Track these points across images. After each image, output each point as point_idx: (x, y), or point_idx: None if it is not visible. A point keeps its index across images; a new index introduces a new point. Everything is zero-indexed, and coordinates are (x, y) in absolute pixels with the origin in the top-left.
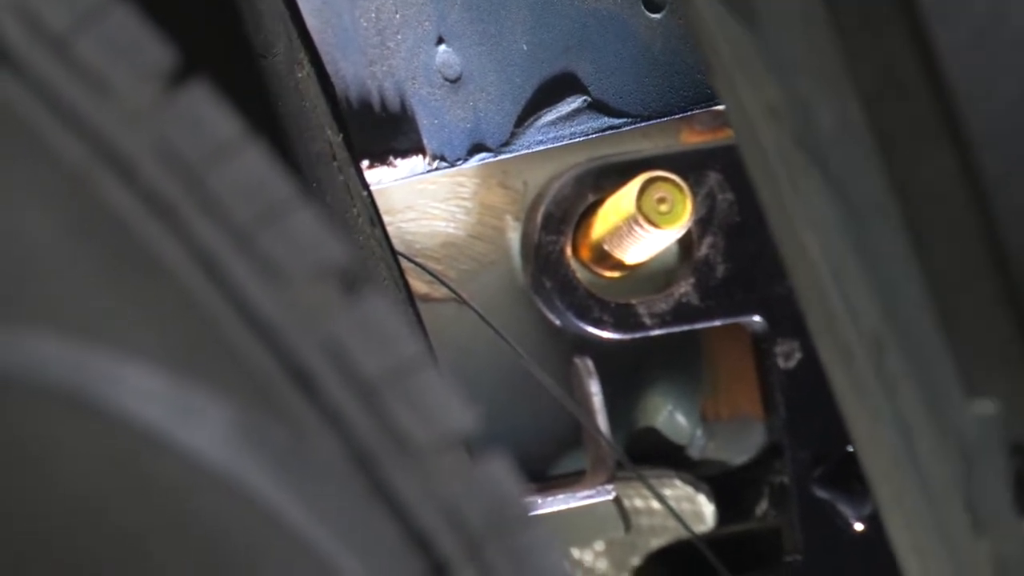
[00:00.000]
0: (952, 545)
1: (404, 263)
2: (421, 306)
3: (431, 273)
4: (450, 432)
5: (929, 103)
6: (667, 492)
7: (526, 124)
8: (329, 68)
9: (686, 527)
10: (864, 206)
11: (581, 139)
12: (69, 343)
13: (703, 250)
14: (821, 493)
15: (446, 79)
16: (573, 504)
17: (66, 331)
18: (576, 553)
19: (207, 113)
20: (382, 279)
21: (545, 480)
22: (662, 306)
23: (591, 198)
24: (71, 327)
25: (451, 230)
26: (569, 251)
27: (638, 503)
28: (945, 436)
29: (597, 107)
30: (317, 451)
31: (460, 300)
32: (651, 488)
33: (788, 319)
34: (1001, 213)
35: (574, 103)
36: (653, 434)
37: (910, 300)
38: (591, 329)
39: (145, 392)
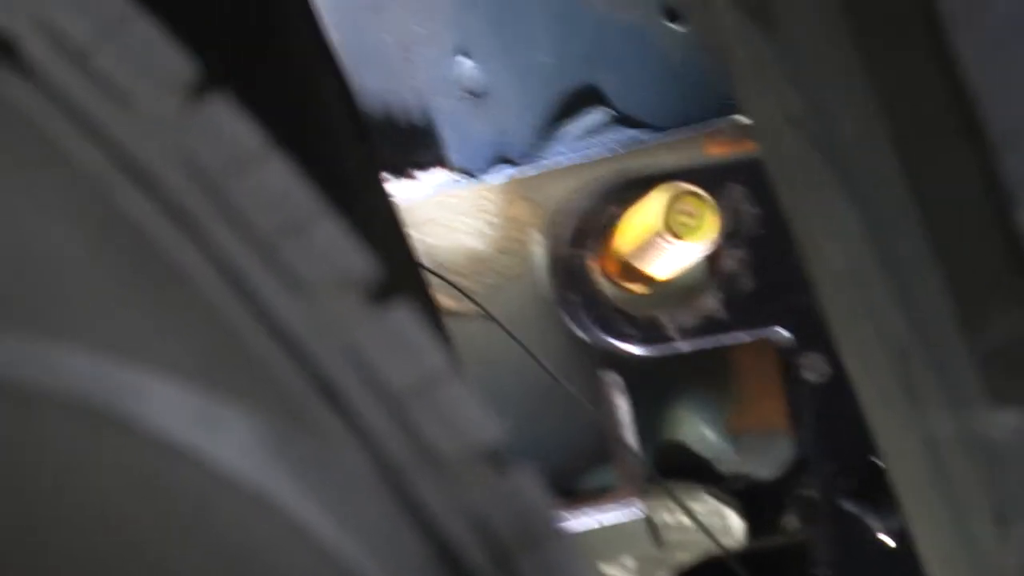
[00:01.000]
0: (979, 554)
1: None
2: (448, 320)
3: (457, 288)
4: (477, 444)
5: (949, 108)
6: (696, 507)
7: (549, 137)
8: (353, 82)
9: (716, 542)
10: (886, 214)
11: (605, 152)
12: (95, 356)
13: (729, 264)
14: (849, 506)
15: (469, 93)
16: (603, 520)
17: (91, 344)
18: (605, 568)
19: (229, 124)
20: (407, 292)
21: (573, 495)
22: (689, 320)
23: (616, 211)
24: (96, 340)
25: (476, 244)
26: (595, 265)
27: (667, 518)
28: (971, 445)
29: (620, 120)
30: (344, 463)
31: (486, 315)
32: (680, 503)
33: (814, 332)
34: (1021, 217)
35: (597, 116)
36: (681, 448)
37: (934, 308)
38: (618, 343)
39: (171, 405)
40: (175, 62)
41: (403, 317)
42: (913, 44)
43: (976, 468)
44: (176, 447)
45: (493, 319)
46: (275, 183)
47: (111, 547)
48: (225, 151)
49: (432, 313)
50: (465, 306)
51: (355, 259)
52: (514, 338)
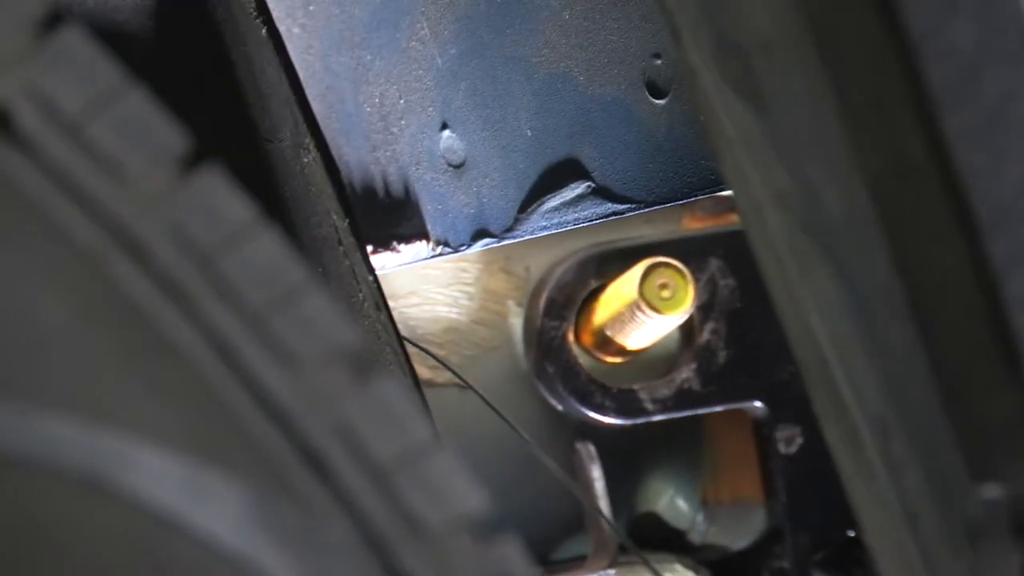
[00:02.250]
0: None
1: (408, 347)
2: (424, 391)
3: (434, 356)
4: (462, 515)
5: (937, 189)
6: None
7: (530, 210)
8: (334, 153)
9: None
10: (871, 292)
11: (584, 224)
12: (84, 426)
13: (705, 336)
14: None
15: (450, 164)
16: None
17: (81, 414)
18: None
19: (221, 197)
20: (389, 363)
21: (548, 564)
22: (664, 392)
23: (594, 284)
24: (86, 410)
25: (454, 315)
26: (571, 336)
27: None
28: (951, 520)
29: (601, 193)
30: (330, 534)
31: (464, 384)
32: (654, 572)
33: (790, 405)
34: (1008, 299)
35: (578, 189)
36: (654, 518)
37: (916, 384)
38: (593, 414)
39: (160, 475)
40: (166, 134)
41: (388, 389)
42: (902, 122)
43: (955, 541)
44: (166, 517)
45: (471, 388)
46: (266, 256)
47: None
48: (217, 224)
49: (412, 384)
50: (441, 376)
51: (344, 332)
52: (492, 407)
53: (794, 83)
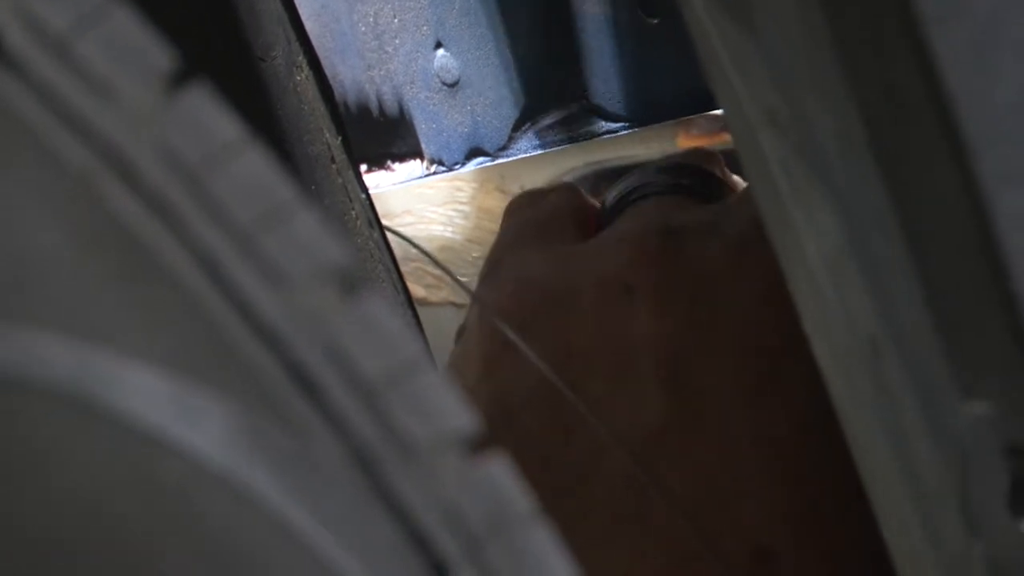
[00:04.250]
0: (947, 550)
1: (409, 262)
2: (419, 309)
3: (435, 261)
4: (451, 433)
5: (927, 108)
6: None
7: (524, 129)
8: (327, 72)
9: None
10: (864, 212)
11: (578, 144)
12: (73, 345)
13: None
14: None
15: (444, 84)
16: None
17: (70, 333)
18: None
19: (208, 115)
20: (382, 282)
21: None
22: None
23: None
24: (75, 329)
25: (448, 234)
26: None
27: None
28: (940, 440)
29: (594, 112)
30: (319, 453)
31: (457, 284)
32: None
33: None
34: (998, 218)
35: (571, 108)
36: None
37: (907, 305)
38: None
39: (148, 395)
40: (154, 52)
41: (377, 307)
42: (892, 45)
43: (944, 462)
44: (154, 435)
45: (472, 294)
46: (254, 174)
47: (88, 533)
48: (204, 142)
49: (405, 303)
50: (436, 295)
51: (333, 250)
52: (494, 318)
53: (785, 3)
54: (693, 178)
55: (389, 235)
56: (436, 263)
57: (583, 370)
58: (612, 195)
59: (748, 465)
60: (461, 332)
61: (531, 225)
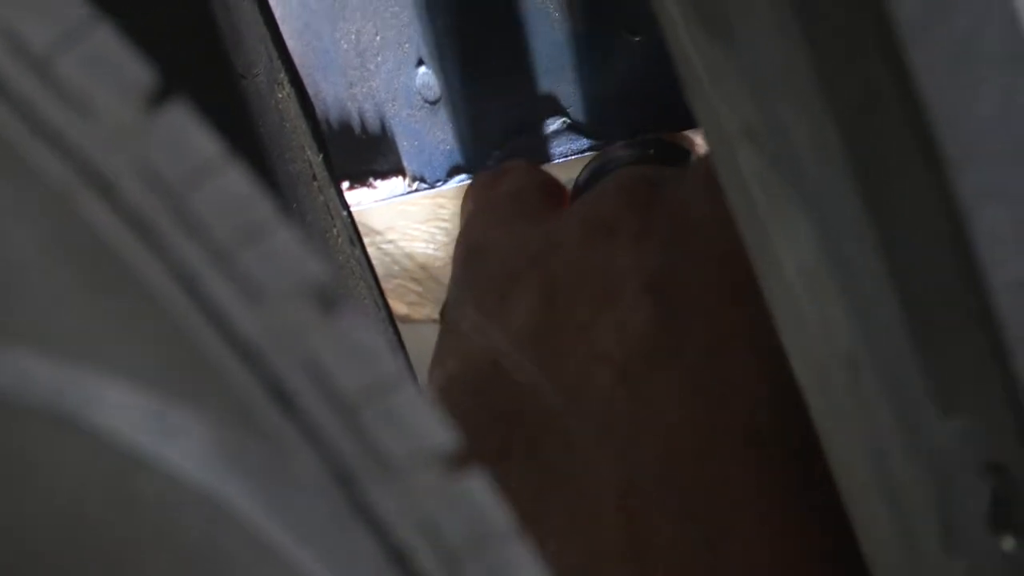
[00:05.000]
0: (927, 566)
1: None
2: (401, 327)
3: None
4: (429, 449)
5: (905, 124)
6: None
7: (505, 146)
8: (309, 89)
9: None
10: (841, 226)
11: (560, 161)
12: (50, 361)
13: None
14: None
15: (426, 101)
16: None
17: (47, 349)
18: None
19: (188, 133)
20: (363, 299)
21: None
22: None
23: None
24: (52, 345)
25: (431, 251)
26: None
27: None
28: (919, 455)
29: (576, 129)
30: (297, 469)
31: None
32: None
33: None
34: (975, 235)
35: (553, 125)
36: None
37: (885, 319)
38: None
39: (126, 410)
40: (134, 69)
41: (356, 324)
42: (870, 55)
43: (923, 479)
44: (132, 452)
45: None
46: (233, 191)
47: (67, 550)
48: (184, 159)
49: (387, 320)
50: (419, 312)
51: (311, 267)
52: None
53: (762, 16)
54: (658, 147)
55: (374, 249)
56: None
57: (568, 301)
58: (584, 175)
59: (736, 358)
60: (444, 313)
61: (504, 202)
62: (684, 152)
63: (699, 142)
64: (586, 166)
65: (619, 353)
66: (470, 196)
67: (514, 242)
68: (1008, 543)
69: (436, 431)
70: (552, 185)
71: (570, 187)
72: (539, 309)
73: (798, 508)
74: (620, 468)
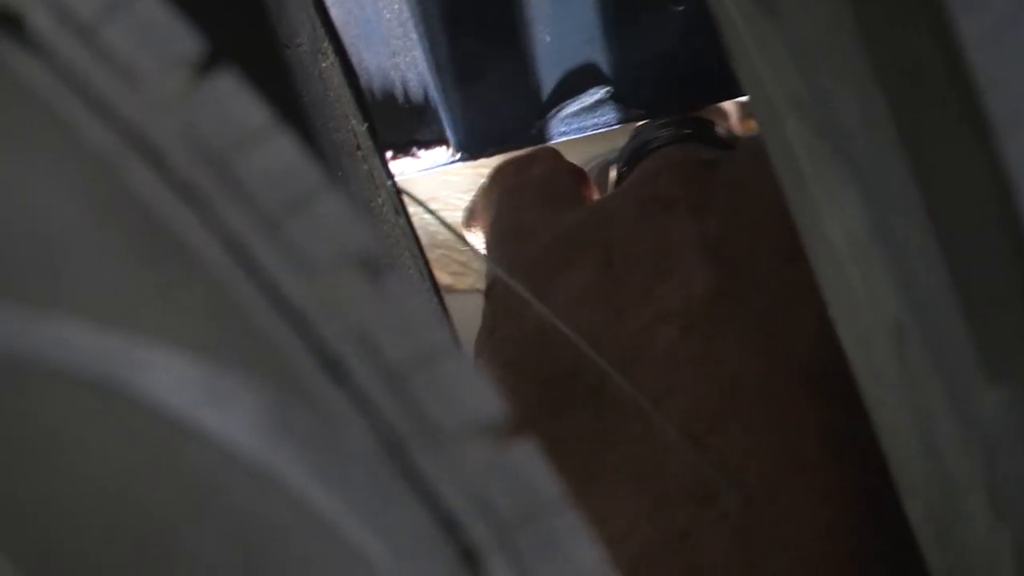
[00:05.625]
0: (973, 536)
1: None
2: (445, 296)
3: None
4: (478, 419)
5: (951, 92)
6: None
7: (548, 115)
8: (353, 59)
9: None
10: (888, 196)
11: (604, 130)
12: (99, 329)
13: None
14: None
15: (469, 71)
16: None
17: (96, 317)
18: None
19: (235, 101)
20: (407, 268)
21: None
22: None
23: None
24: (101, 313)
25: None
26: None
27: None
28: (966, 425)
29: (619, 99)
30: (346, 438)
31: (500, 272)
32: None
33: None
34: (1022, 203)
35: (597, 94)
36: None
37: (932, 288)
38: None
39: (175, 379)
40: (181, 38)
41: (404, 292)
42: (916, 26)
43: (970, 446)
44: (183, 421)
45: (501, 272)
46: (280, 160)
47: (116, 519)
48: (231, 127)
49: (432, 289)
50: (462, 282)
51: (359, 235)
52: (519, 290)
53: None
54: (694, 127)
55: (418, 219)
56: (461, 239)
57: (626, 270)
58: (624, 155)
59: (794, 311)
60: (489, 292)
61: (536, 186)
62: (716, 134)
63: (732, 113)
64: (624, 146)
65: (681, 311)
66: (497, 181)
67: (556, 226)
68: None
69: (486, 401)
70: (578, 172)
71: (613, 156)
72: (596, 278)
73: (856, 445)
74: (685, 411)
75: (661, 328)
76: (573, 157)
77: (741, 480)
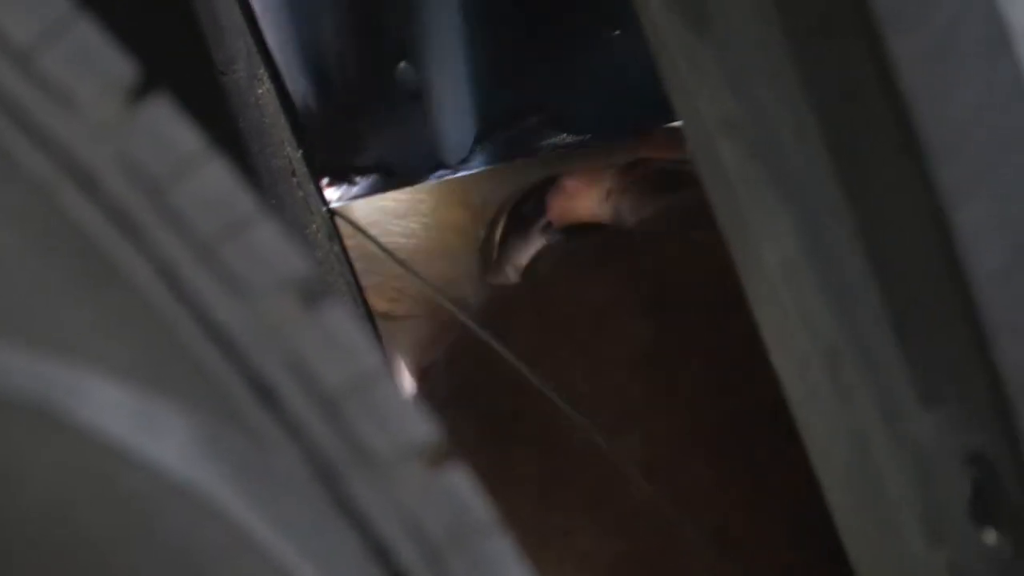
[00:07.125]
0: (909, 556)
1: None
2: (382, 323)
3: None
4: (411, 443)
5: (886, 114)
6: None
7: (485, 141)
8: (289, 85)
9: None
10: (821, 217)
11: (540, 156)
12: (33, 355)
13: None
14: None
15: (406, 96)
16: None
17: (30, 343)
18: None
19: (169, 127)
20: (342, 293)
21: None
22: None
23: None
24: (35, 339)
25: (411, 246)
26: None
27: None
28: (901, 446)
29: (556, 124)
30: (278, 463)
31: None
32: None
33: None
34: (957, 229)
35: (532, 121)
36: None
37: (867, 311)
38: None
39: (109, 405)
40: (116, 64)
41: (337, 318)
42: (850, 46)
43: (905, 468)
44: (116, 447)
45: (436, 294)
46: (215, 186)
47: (50, 544)
48: (165, 154)
49: (365, 316)
50: (399, 308)
51: (293, 261)
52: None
53: (740, 6)
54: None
55: (356, 244)
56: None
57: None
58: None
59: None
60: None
61: None
62: None
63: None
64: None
65: (625, 358)
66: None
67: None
68: (990, 537)
69: (418, 426)
70: None
71: (555, 182)
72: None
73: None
74: (643, 443)
75: (606, 372)
76: (511, 183)
77: (703, 511)
